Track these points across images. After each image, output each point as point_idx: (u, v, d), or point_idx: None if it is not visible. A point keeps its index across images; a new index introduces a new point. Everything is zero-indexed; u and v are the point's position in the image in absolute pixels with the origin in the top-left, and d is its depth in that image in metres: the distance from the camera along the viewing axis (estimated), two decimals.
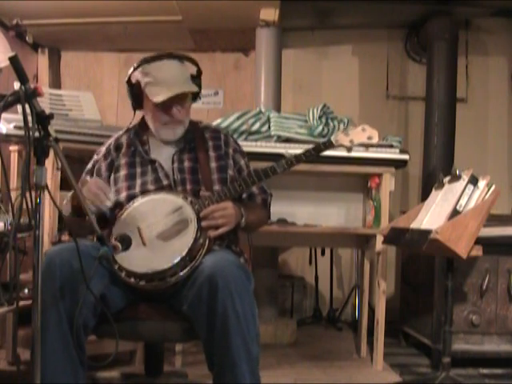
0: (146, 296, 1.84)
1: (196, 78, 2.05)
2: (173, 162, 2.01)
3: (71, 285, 1.66)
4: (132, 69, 2.00)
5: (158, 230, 1.82)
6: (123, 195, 1.96)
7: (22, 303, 2.21)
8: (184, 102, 1.99)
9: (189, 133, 2.07)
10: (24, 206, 1.46)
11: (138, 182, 1.98)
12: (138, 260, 1.77)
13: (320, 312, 4.04)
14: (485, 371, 2.90)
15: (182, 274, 1.75)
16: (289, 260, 4.24)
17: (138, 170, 2.01)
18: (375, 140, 2.00)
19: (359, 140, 1.99)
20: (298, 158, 1.94)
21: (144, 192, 1.95)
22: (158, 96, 1.92)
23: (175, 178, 1.98)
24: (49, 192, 1.52)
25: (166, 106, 1.96)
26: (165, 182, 1.98)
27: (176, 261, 1.74)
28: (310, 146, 1.99)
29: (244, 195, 2.06)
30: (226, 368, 1.67)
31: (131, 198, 1.94)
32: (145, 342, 2.09)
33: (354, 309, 3.97)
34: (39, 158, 1.48)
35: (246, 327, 1.66)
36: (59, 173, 2.71)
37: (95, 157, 2.10)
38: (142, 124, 2.09)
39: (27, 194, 1.46)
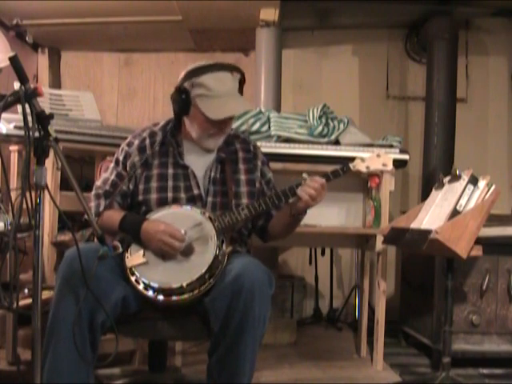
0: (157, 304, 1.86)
1: (240, 86, 2.04)
2: (206, 172, 2.02)
3: (92, 283, 1.65)
4: (182, 79, 1.95)
5: None
6: (154, 196, 1.97)
7: (21, 303, 2.22)
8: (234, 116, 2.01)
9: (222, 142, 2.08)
10: (24, 205, 1.46)
11: (170, 184, 1.98)
12: (158, 274, 1.79)
13: (320, 312, 4.03)
14: (485, 371, 2.90)
15: (200, 290, 1.77)
16: (289, 260, 4.24)
17: (170, 171, 2.01)
18: (389, 167, 2.05)
19: (374, 166, 2.03)
20: None
21: (175, 199, 1.96)
22: (215, 112, 1.91)
23: (209, 188, 2.00)
24: (49, 192, 1.52)
25: (218, 121, 1.94)
26: (195, 192, 1.99)
27: (196, 277, 1.76)
28: (329, 172, 1.97)
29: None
30: (228, 363, 1.72)
31: (162, 200, 1.96)
32: (160, 340, 2.14)
33: (354, 309, 3.96)
34: (39, 158, 1.49)
35: (259, 329, 1.73)
36: (59, 173, 2.71)
37: (126, 147, 2.05)
38: (177, 125, 2.07)
39: (27, 194, 1.46)
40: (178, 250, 1.81)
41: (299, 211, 1.93)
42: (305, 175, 1.91)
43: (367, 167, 2.01)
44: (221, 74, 1.95)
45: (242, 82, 2.04)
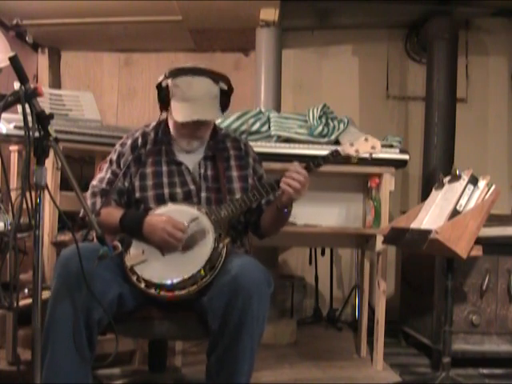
0: (159, 301, 1.85)
1: (225, 94, 2.04)
2: (199, 168, 2.05)
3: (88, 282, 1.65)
4: (163, 76, 2.00)
5: None
6: (150, 194, 1.99)
7: (21, 303, 2.22)
8: (205, 122, 1.99)
9: (211, 140, 2.10)
10: (24, 205, 1.46)
11: (165, 181, 2.01)
12: (158, 271, 1.80)
13: (320, 312, 4.03)
14: (485, 371, 2.90)
15: (202, 283, 1.78)
16: (289, 260, 4.24)
17: (164, 168, 2.03)
18: (378, 149, 2.07)
19: (364, 150, 2.05)
20: (308, 168, 1.96)
21: (172, 194, 1.98)
22: (180, 115, 1.94)
23: (201, 184, 2.02)
24: (49, 192, 1.52)
25: (185, 124, 1.96)
26: (191, 187, 2.01)
27: (196, 270, 1.77)
28: (320, 156, 2.01)
29: (263, 201, 2.08)
30: (227, 362, 1.73)
31: (159, 196, 1.98)
32: (160, 340, 2.14)
33: (354, 309, 3.97)
34: (39, 157, 1.49)
35: (258, 328, 1.74)
36: (59, 173, 2.71)
37: (119, 148, 2.09)
38: (168, 123, 2.10)
39: (27, 194, 1.46)
40: (181, 242, 1.83)
41: (283, 204, 1.94)
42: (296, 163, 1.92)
43: (356, 151, 2.03)
44: (198, 80, 1.97)
45: (228, 91, 2.04)
